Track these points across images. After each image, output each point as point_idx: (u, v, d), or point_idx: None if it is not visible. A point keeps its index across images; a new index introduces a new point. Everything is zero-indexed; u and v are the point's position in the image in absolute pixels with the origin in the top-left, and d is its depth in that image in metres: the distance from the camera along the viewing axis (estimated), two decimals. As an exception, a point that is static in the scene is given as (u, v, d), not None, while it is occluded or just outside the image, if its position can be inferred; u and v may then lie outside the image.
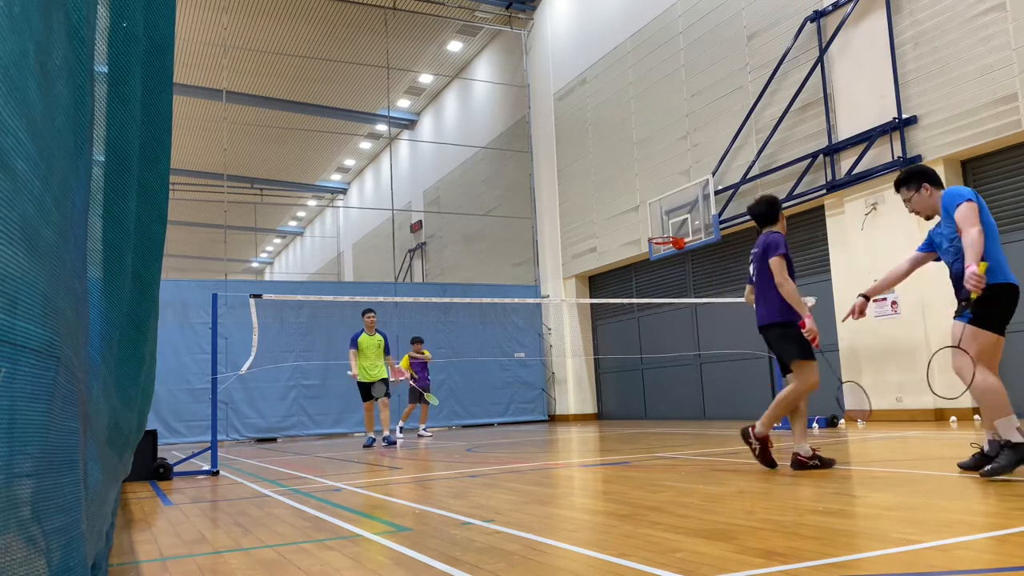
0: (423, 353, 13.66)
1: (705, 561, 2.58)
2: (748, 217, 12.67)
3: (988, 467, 4.27)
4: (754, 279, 5.64)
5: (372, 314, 11.51)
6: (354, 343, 11.40)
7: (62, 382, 1.04)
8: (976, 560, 2.47)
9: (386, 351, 11.52)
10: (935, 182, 4.82)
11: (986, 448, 4.55)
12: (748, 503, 3.89)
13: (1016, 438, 4.21)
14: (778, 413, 5.44)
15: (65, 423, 1.08)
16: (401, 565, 2.83)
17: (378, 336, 11.45)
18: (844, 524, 3.20)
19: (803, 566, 2.44)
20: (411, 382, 13.15)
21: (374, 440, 11.27)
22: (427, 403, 13.41)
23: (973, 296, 4.38)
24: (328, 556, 3.06)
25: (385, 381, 11.40)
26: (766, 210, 5.75)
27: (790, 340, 5.43)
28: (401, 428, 13.49)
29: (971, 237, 4.38)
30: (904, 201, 4.95)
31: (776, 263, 5.42)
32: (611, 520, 3.61)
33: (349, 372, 11.55)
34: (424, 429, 13.74)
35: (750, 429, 5.43)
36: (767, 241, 5.56)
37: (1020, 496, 3.68)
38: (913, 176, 4.86)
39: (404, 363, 13.27)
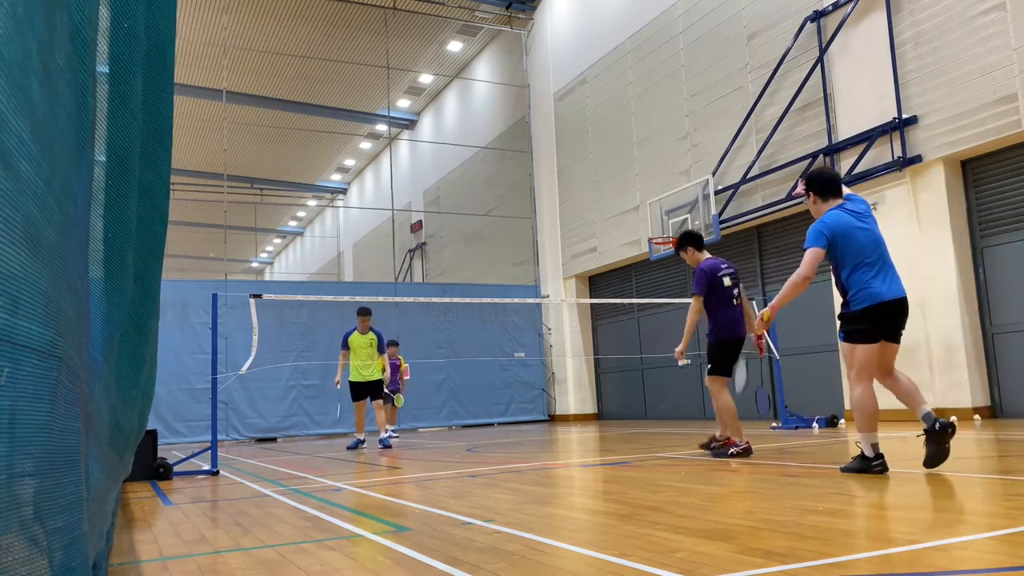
0: (399, 358, 13.45)
1: (705, 561, 2.58)
2: (748, 217, 12.76)
3: (844, 464, 4.94)
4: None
5: (367, 317, 10.93)
6: (345, 343, 10.89)
7: (64, 382, 1.04)
8: (976, 560, 2.47)
9: (380, 350, 11.05)
10: (822, 193, 5.10)
11: (926, 426, 4.62)
12: (748, 503, 3.89)
13: (868, 453, 4.69)
14: None
15: (67, 423, 1.08)
16: (401, 565, 2.84)
17: (371, 334, 10.91)
18: (844, 524, 3.20)
19: (803, 566, 2.44)
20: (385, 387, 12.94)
21: (360, 442, 10.83)
22: (395, 405, 13.23)
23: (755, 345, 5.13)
24: (328, 556, 3.06)
25: (381, 384, 11.04)
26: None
27: None
28: (393, 432, 13.32)
29: (789, 282, 4.92)
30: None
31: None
32: (611, 520, 3.61)
33: (335, 381, 11.07)
34: (392, 431, 13.50)
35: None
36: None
37: (1021, 496, 3.69)
38: (805, 182, 5.22)
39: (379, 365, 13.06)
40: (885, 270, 4.79)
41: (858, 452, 4.82)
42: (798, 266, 4.97)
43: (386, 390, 12.80)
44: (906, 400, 4.80)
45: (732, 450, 6.43)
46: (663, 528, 3.25)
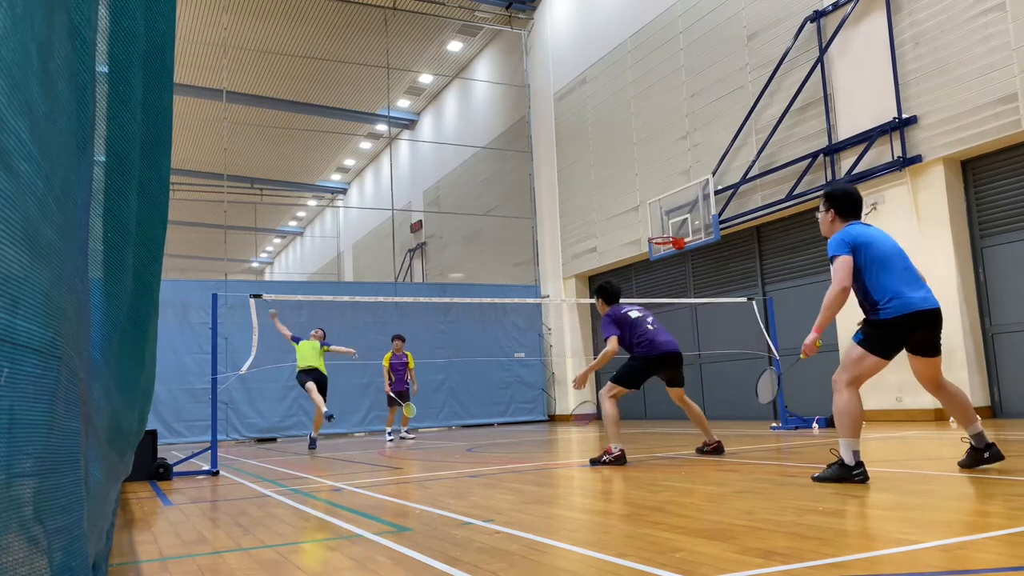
0: (406, 354, 12.88)
1: (705, 561, 2.58)
2: (748, 217, 12.76)
3: (818, 473, 4.61)
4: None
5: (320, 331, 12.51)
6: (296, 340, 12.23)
7: (64, 382, 1.04)
8: (976, 560, 2.47)
9: (323, 344, 12.27)
10: (842, 211, 4.77)
11: (973, 443, 4.64)
12: (748, 503, 3.89)
13: (849, 460, 4.42)
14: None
15: (67, 423, 1.08)
16: (401, 565, 2.84)
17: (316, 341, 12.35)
18: (844, 524, 3.20)
19: (803, 566, 2.44)
20: (387, 387, 12.72)
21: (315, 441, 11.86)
22: (405, 415, 12.65)
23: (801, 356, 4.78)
24: (328, 556, 3.06)
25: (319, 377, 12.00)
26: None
27: None
28: (390, 433, 13.04)
29: (826, 300, 4.54)
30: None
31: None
32: (611, 520, 3.61)
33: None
34: (406, 432, 13.28)
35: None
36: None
37: (1021, 496, 3.69)
38: (826, 197, 4.89)
39: (385, 362, 12.90)
40: (913, 279, 4.50)
41: (833, 460, 4.57)
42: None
43: (390, 392, 12.71)
44: (957, 415, 4.56)
45: (605, 457, 6.42)
46: (663, 528, 3.25)
